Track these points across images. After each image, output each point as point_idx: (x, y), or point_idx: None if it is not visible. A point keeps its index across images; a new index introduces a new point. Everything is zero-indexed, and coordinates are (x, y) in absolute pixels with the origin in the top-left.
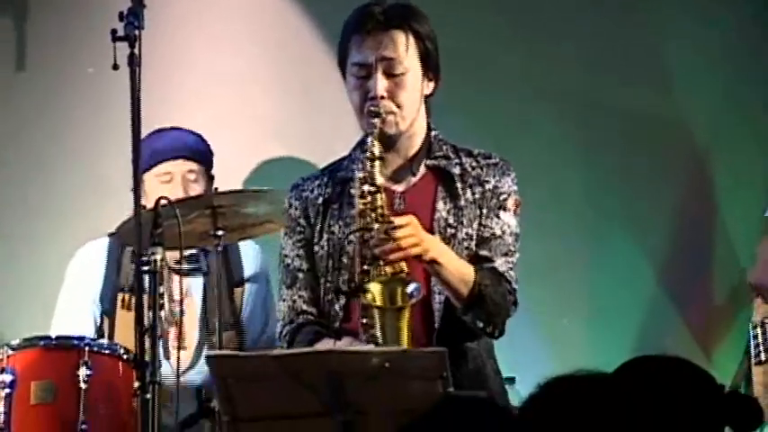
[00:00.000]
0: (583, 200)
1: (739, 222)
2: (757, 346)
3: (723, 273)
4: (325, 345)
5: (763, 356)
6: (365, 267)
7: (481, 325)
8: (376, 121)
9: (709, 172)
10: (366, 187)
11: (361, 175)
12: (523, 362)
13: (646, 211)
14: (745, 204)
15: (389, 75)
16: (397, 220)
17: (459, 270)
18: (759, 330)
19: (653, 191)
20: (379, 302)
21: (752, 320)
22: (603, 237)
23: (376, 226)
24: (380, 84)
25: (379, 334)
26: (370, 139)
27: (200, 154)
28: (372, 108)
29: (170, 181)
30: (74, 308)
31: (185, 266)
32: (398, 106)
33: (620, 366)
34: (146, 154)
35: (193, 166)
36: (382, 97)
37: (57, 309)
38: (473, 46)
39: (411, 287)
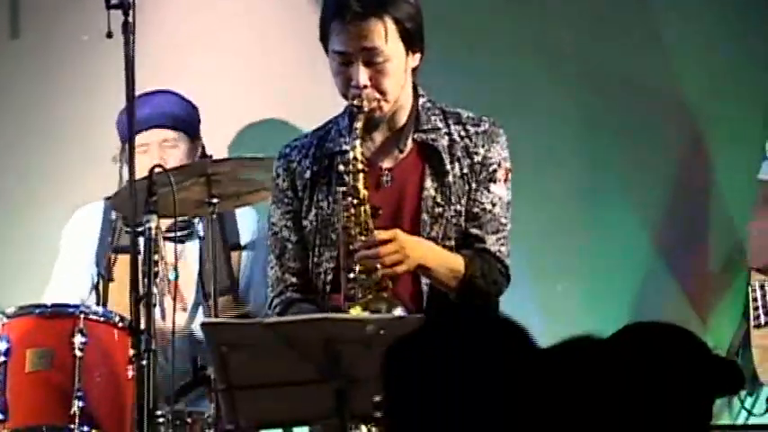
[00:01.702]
0: (579, 167)
1: (735, 189)
2: (756, 308)
3: (719, 239)
4: None
5: (762, 320)
6: (350, 276)
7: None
8: (359, 125)
9: (706, 140)
10: (350, 200)
11: (344, 189)
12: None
13: (642, 177)
14: (741, 172)
15: (370, 63)
16: (381, 235)
17: (449, 267)
18: (759, 293)
19: (649, 158)
20: None
21: (750, 283)
22: (599, 203)
23: (360, 240)
24: (362, 75)
25: None
26: (351, 144)
27: (176, 119)
28: (355, 101)
29: (146, 151)
30: (71, 269)
31: (179, 233)
32: (382, 93)
33: (615, 333)
34: (123, 125)
35: (169, 133)
36: (365, 86)
37: (54, 270)
38: (470, 11)
39: (397, 312)
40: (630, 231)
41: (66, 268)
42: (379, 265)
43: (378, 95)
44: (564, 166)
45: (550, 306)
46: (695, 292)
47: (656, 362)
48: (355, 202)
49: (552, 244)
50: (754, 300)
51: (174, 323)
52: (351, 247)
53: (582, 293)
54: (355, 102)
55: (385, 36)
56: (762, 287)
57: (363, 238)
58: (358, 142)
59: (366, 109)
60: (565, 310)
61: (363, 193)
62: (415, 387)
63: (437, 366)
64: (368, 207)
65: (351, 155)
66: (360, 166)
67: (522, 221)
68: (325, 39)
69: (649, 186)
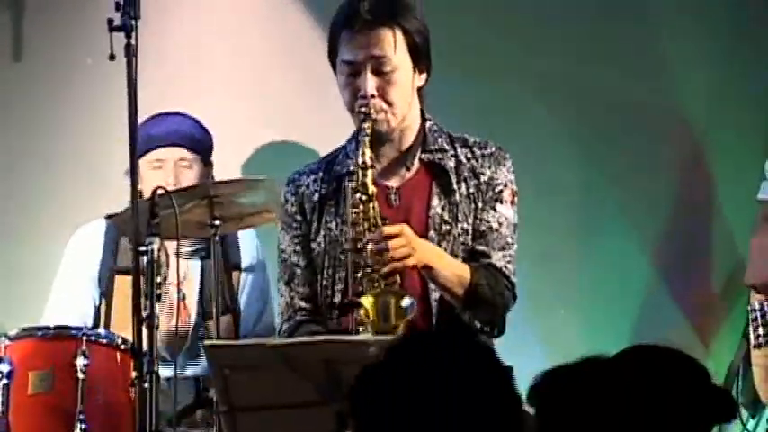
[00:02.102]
0: (578, 189)
1: (736, 210)
2: (756, 329)
3: (720, 261)
4: None
5: (762, 339)
6: (358, 275)
7: (479, 325)
8: (366, 126)
9: (706, 160)
10: (358, 196)
11: (353, 184)
12: (520, 352)
13: (642, 199)
14: (742, 192)
15: (379, 73)
16: (388, 230)
17: (455, 272)
18: (758, 314)
19: (649, 179)
20: (371, 318)
21: (750, 304)
22: (599, 226)
23: (368, 235)
24: (370, 83)
25: None
26: (360, 148)
27: (195, 141)
28: (362, 109)
29: (161, 167)
30: (71, 288)
31: (186, 248)
32: (389, 104)
33: (615, 354)
34: (140, 140)
35: (186, 153)
36: (372, 96)
37: (53, 289)
38: (468, 36)
39: (405, 302)
40: (630, 255)
41: (66, 287)
42: (387, 257)
43: (385, 106)
44: (561, 191)
45: (551, 334)
46: (697, 314)
47: (656, 384)
48: (364, 198)
49: (550, 270)
50: (754, 320)
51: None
52: (359, 243)
53: (582, 320)
54: (363, 109)
55: (394, 45)
56: (761, 307)
57: (369, 235)
58: (367, 140)
59: (373, 116)
60: (565, 337)
61: (372, 189)
62: (386, 413)
63: (408, 390)
64: (376, 204)
65: (359, 158)
66: (369, 162)
67: (519, 248)
68: (333, 52)
69: (649, 208)
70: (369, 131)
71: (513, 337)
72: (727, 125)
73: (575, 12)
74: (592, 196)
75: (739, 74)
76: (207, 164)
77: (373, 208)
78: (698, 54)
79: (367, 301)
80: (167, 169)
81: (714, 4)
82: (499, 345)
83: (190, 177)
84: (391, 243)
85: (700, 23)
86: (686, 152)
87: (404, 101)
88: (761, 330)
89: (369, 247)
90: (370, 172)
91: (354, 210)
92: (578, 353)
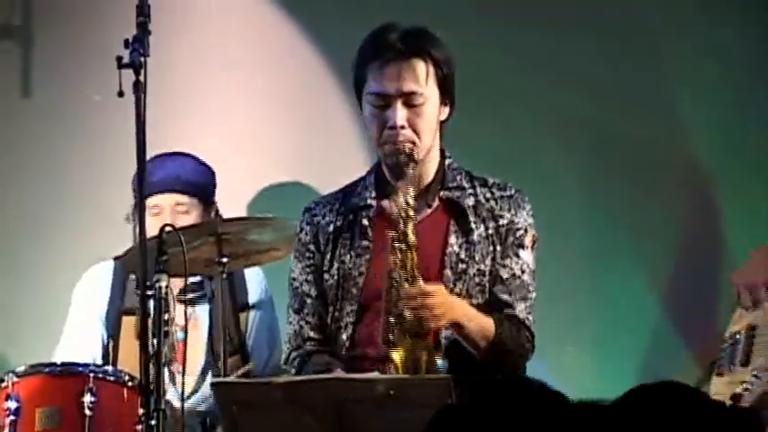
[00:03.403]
0: (586, 228)
1: (745, 250)
2: (723, 358)
3: (728, 300)
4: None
5: (726, 367)
6: (391, 320)
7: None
8: (411, 171)
9: (715, 199)
10: (398, 245)
11: (393, 233)
12: None
13: (650, 238)
14: (751, 231)
15: (409, 105)
16: (426, 287)
17: (480, 327)
18: (729, 343)
19: (657, 219)
20: (400, 373)
21: (726, 333)
22: (607, 265)
23: (405, 287)
24: (400, 114)
25: None
26: (404, 198)
27: (192, 186)
28: (399, 147)
29: (159, 213)
30: (82, 328)
31: (190, 295)
32: (417, 134)
33: (623, 395)
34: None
35: (182, 198)
36: (402, 126)
37: (65, 329)
38: (481, 71)
39: (439, 363)
40: (638, 294)
41: (77, 328)
42: (421, 314)
43: (414, 137)
44: (571, 229)
45: (559, 371)
46: (704, 353)
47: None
48: (404, 247)
49: (559, 309)
50: (722, 350)
51: (183, 385)
52: (395, 292)
53: (590, 358)
54: (394, 143)
55: (426, 77)
56: (733, 336)
57: (407, 285)
58: (411, 189)
59: (408, 151)
60: (574, 374)
61: (412, 239)
62: None
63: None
64: (415, 255)
65: (402, 199)
66: (411, 213)
67: None
68: (360, 83)
69: (658, 247)
70: (411, 174)
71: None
72: (737, 163)
73: (588, 50)
74: (600, 234)
75: (750, 111)
76: (208, 205)
77: (412, 259)
78: (709, 92)
79: (398, 355)
80: (164, 215)
81: (725, 42)
82: None
83: (188, 221)
84: (427, 302)
85: (711, 61)
86: (696, 190)
87: (430, 132)
88: (727, 359)
89: (404, 301)
90: (411, 223)
91: (393, 258)
92: (587, 391)
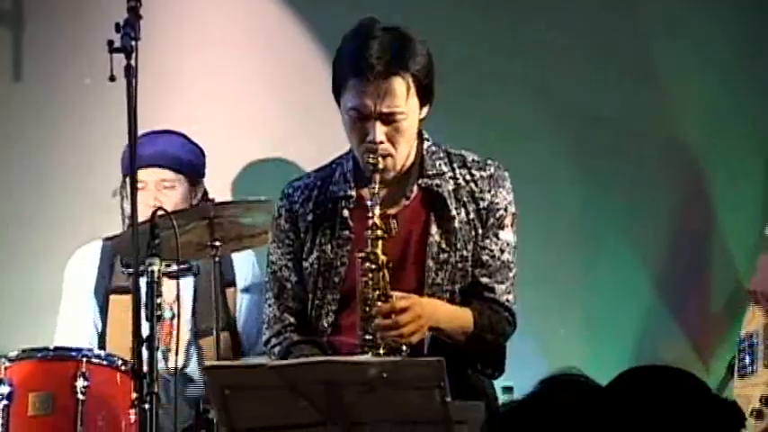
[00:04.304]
0: (579, 209)
1: (736, 231)
2: (743, 359)
3: (720, 281)
4: None
5: (748, 369)
6: (366, 338)
7: (480, 366)
8: (376, 187)
9: (706, 181)
10: (368, 265)
11: (362, 254)
12: (520, 371)
13: (642, 220)
14: (742, 213)
15: (388, 122)
16: (399, 303)
17: (459, 325)
18: (746, 344)
19: (649, 200)
20: None
21: (740, 333)
22: (600, 246)
23: (378, 306)
24: (378, 130)
25: None
26: (372, 220)
27: (178, 162)
28: (371, 160)
29: (144, 188)
30: (76, 311)
31: (175, 268)
32: (395, 147)
33: (615, 377)
34: (126, 160)
35: (167, 174)
36: (381, 142)
37: (60, 311)
38: (472, 55)
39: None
40: (631, 274)
41: (71, 311)
42: (395, 334)
43: (392, 150)
44: (563, 209)
45: (552, 350)
46: (696, 334)
47: (656, 406)
48: (374, 267)
49: (550, 290)
50: (741, 350)
51: (177, 365)
52: (367, 311)
53: (582, 339)
54: (370, 159)
55: (406, 95)
56: (750, 337)
57: (380, 303)
58: (377, 209)
59: (381, 167)
60: (567, 353)
61: (382, 258)
62: None
63: None
64: (386, 273)
65: (370, 221)
66: (379, 232)
67: (521, 266)
68: (338, 92)
69: (650, 228)
70: (377, 189)
71: (512, 355)
72: (727, 149)
73: (579, 37)
74: (592, 216)
75: (739, 99)
76: (194, 183)
77: (383, 278)
78: (699, 80)
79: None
80: (149, 190)
81: (715, 32)
82: None
83: (172, 198)
84: (401, 318)
85: (701, 50)
86: (687, 174)
87: (409, 142)
88: (747, 360)
89: (377, 320)
90: (380, 242)
91: (364, 278)
92: (580, 368)
